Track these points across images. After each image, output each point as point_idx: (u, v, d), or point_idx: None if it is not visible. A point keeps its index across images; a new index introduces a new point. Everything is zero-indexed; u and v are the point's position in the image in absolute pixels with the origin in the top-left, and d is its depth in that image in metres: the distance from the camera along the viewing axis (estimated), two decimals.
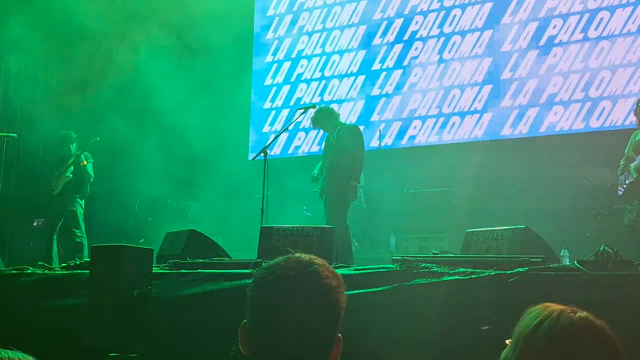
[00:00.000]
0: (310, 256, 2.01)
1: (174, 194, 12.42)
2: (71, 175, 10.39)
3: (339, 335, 1.97)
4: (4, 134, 11.14)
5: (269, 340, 1.91)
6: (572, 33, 11.00)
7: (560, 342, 1.80)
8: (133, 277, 5.79)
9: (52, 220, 10.52)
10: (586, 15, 10.93)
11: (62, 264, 8.03)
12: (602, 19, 10.80)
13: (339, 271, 5.52)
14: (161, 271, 6.51)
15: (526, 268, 4.99)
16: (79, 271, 6.88)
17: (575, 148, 10.39)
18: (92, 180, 10.53)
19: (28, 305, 6.51)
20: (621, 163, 8.15)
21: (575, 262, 5.05)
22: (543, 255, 5.51)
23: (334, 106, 10.51)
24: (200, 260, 7.01)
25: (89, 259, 6.70)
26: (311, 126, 9.97)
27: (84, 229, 10.43)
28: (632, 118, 8.31)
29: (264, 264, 2.05)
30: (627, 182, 8.00)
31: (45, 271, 7.20)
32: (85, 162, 10.36)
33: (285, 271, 1.94)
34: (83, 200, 10.56)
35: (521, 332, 1.88)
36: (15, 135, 11.36)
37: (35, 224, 12.00)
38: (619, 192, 8.15)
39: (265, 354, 1.91)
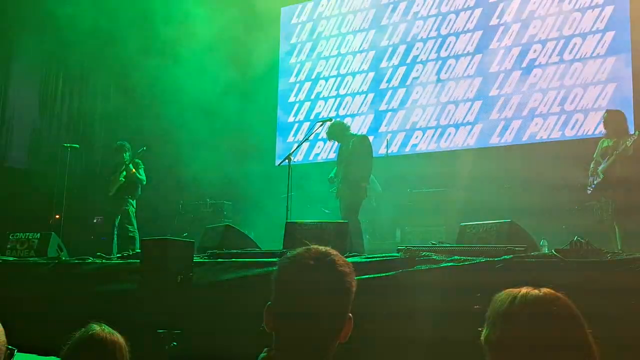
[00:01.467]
0: (327, 248, 1.99)
1: (213, 195, 12.42)
2: (124, 180, 10.37)
3: (350, 315, 1.95)
4: (69, 145, 11.17)
5: (290, 319, 1.89)
6: (550, 56, 10.94)
7: (535, 308, 1.82)
8: (177, 265, 5.79)
9: (111, 217, 10.52)
10: (562, 41, 10.86)
11: (118, 255, 8.05)
12: (575, 44, 10.73)
13: (352, 259, 5.52)
14: (201, 260, 6.51)
15: (511, 256, 4.96)
16: (131, 260, 6.89)
17: (553, 154, 10.33)
18: (144, 183, 10.50)
19: (88, 289, 6.54)
20: (591, 166, 8.12)
21: (553, 251, 5.02)
22: (526, 244, 5.48)
23: (347, 120, 10.49)
24: (234, 251, 7.01)
25: (140, 250, 6.71)
26: (326, 139, 9.90)
27: (135, 225, 10.41)
28: (601, 128, 8.26)
29: (287, 253, 2.02)
30: (595, 182, 7.96)
31: (103, 260, 7.23)
32: (134, 171, 10.35)
33: (306, 260, 1.93)
34: (135, 201, 10.53)
35: (496, 311, 1.89)
36: (77, 146, 11.38)
37: (95, 220, 12.01)
38: (588, 191, 8.12)
39: (286, 331, 1.90)
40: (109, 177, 10.61)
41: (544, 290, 1.87)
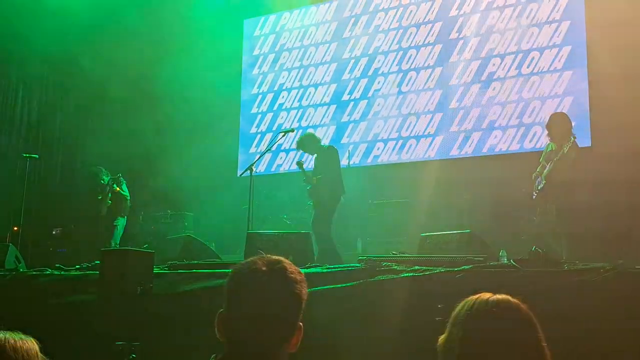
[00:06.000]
0: (279, 257, 1.99)
1: (174, 206, 12.28)
2: (110, 202, 10.31)
3: (300, 324, 1.95)
4: (28, 155, 10.94)
5: (239, 325, 1.89)
6: (508, 70, 11.07)
7: (480, 319, 1.83)
8: (137, 277, 5.73)
9: (104, 237, 10.33)
10: (520, 55, 11.01)
11: (76, 266, 7.91)
12: (533, 58, 10.89)
13: (313, 270, 5.49)
14: (161, 271, 6.44)
15: (471, 266, 4.99)
16: (90, 272, 6.79)
17: (512, 165, 10.42)
18: (129, 198, 10.50)
19: (46, 301, 6.41)
20: (537, 170, 8.11)
21: (511, 261, 5.06)
22: (485, 255, 5.52)
23: (310, 131, 10.46)
24: (195, 262, 6.96)
25: (99, 262, 6.60)
26: (295, 149, 9.75)
27: (118, 242, 10.24)
28: None
29: (241, 262, 2.02)
30: (539, 188, 7.94)
31: (62, 272, 7.11)
32: (118, 189, 10.34)
33: (257, 268, 1.93)
34: (124, 218, 10.47)
35: (453, 318, 1.89)
36: (37, 156, 11.15)
37: (54, 232, 11.75)
38: (533, 196, 8.09)
39: (235, 337, 1.89)
40: (93, 199, 10.46)
41: (498, 296, 1.88)
